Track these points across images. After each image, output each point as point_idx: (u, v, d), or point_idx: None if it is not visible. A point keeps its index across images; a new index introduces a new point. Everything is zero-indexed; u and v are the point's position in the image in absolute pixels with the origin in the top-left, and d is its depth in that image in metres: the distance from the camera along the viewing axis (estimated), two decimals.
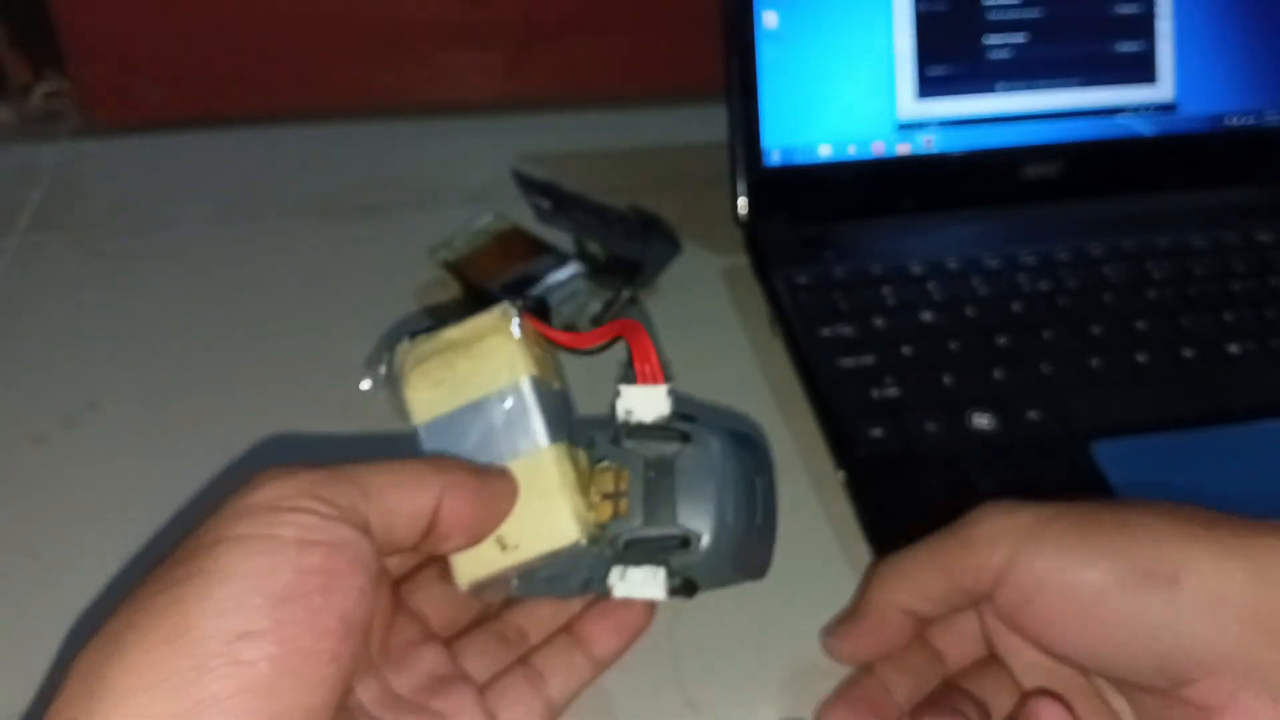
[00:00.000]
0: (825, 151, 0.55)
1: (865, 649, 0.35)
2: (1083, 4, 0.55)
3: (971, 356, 0.48)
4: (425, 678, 0.32)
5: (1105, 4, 0.55)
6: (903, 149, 0.55)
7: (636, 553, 0.31)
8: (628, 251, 0.55)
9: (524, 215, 0.59)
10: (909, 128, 0.55)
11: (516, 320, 0.33)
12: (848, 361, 0.48)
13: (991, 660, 0.35)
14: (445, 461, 0.30)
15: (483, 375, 0.32)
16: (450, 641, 0.33)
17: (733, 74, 0.53)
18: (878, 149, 0.55)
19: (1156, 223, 0.55)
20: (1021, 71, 0.55)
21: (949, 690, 0.34)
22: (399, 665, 0.32)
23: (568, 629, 0.34)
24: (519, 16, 0.69)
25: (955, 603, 0.33)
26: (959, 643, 0.36)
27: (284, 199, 0.63)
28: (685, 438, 0.31)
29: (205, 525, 0.26)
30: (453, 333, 0.33)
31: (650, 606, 0.34)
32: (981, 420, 0.45)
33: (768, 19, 0.53)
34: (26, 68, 0.71)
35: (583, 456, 0.33)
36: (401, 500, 0.28)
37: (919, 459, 0.44)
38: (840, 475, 0.44)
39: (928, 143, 0.55)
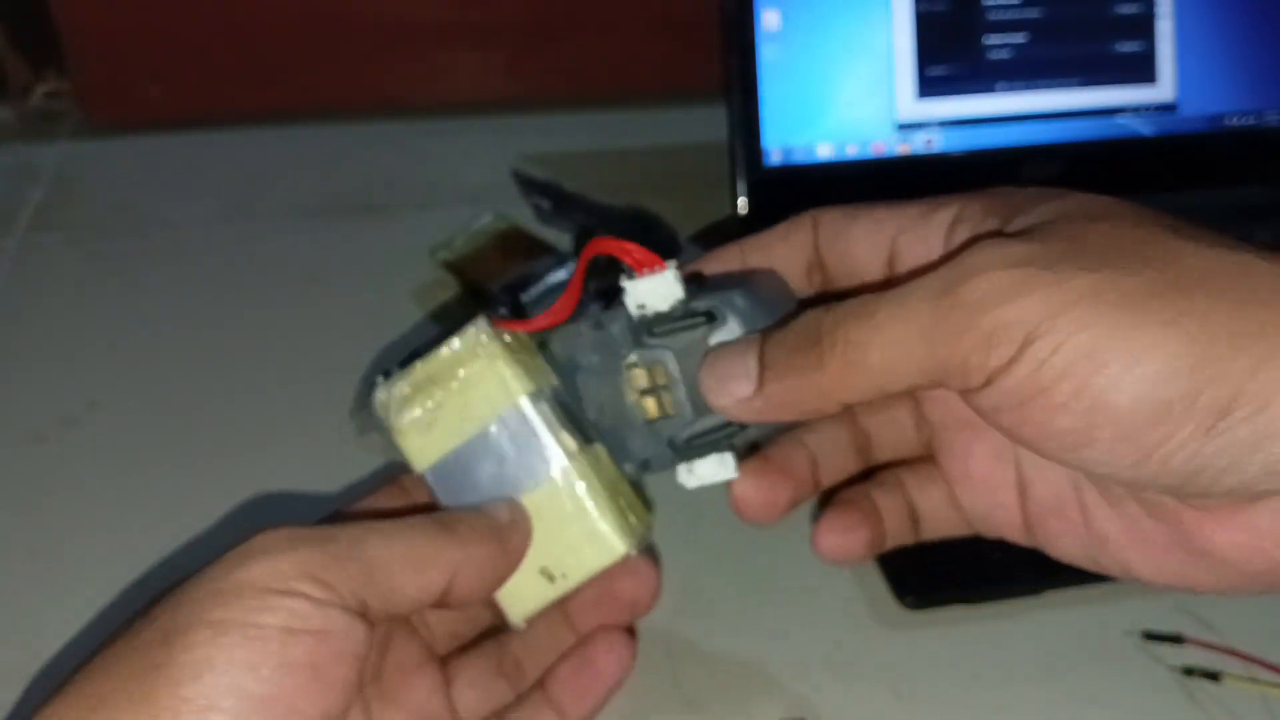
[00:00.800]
0: (825, 151, 0.54)
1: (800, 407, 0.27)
2: (1083, 4, 0.55)
3: None
4: (412, 717, 0.31)
5: (1105, 4, 0.55)
6: (903, 149, 0.55)
7: (700, 446, 0.30)
8: None
9: (524, 215, 0.59)
10: (909, 128, 0.55)
11: (492, 335, 0.30)
12: None
13: (923, 460, 0.32)
14: (461, 527, 0.28)
15: (476, 405, 0.30)
16: (448, 660, 0.33)
17: (733, 74, 0.53)
18: (878, 149, 0.55)
19: None
20: (1021, 71, 0.55)
21: (877, 481, 0.32)
22: (389, 698, 0.30)
23: (541, 685, 0.33)
24: (519, 16, 0.69)
25: (927, 383, 0.25)
26: (890, 430, 0.32)
27: (284, 199, 0.63)
28: (710, 316, 0.29)
29: (186, 595, 0.24)
30: (428, 365, 0.30)
31: (628, 659, 0.33)
32: None
33: (768, 19, 0.53)
34: (26, 68, 0.71)
35: (601, 450, 0.31)
36: (410, 581, 0.26)
37: None
38: None
39: (928, 143, 0.55)
